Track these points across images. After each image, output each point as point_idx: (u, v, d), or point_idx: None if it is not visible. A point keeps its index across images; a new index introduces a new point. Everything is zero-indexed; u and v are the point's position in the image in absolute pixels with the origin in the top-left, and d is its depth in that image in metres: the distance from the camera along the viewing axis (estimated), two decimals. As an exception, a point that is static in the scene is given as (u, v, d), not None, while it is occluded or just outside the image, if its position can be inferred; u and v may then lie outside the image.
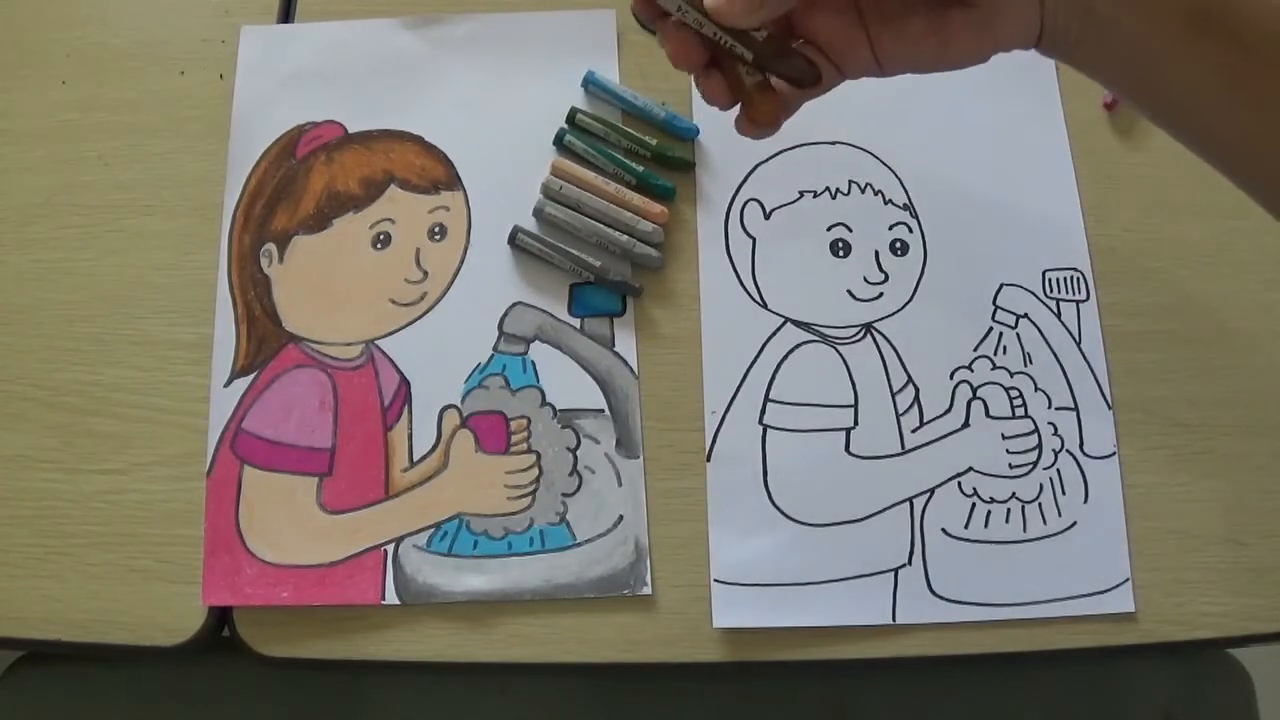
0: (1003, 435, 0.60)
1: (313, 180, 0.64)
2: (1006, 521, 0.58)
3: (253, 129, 0.65)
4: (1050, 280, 0.63)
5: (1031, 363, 0.61)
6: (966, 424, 0.60)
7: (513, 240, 0.62)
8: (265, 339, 0.61)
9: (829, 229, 0.64)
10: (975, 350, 0.61)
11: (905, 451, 0.60)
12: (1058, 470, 0.59)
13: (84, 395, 0.60)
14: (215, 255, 0.62)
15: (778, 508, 0.58)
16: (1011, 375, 0.61)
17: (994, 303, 0.62)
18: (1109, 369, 0.61)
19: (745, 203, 0.64)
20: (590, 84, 0.66)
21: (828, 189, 0.65)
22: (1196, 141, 0.44)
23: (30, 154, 0.65)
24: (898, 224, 0.64)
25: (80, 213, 0.63)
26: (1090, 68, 0.42)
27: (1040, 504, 0.59)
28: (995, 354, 0.61)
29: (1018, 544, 0.58)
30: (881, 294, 0.62)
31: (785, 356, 0.61)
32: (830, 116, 0.66)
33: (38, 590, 0.56)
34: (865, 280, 0.63)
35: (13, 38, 0.67)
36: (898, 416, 0.60)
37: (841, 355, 0.61)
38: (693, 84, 0.66)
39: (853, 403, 0.60)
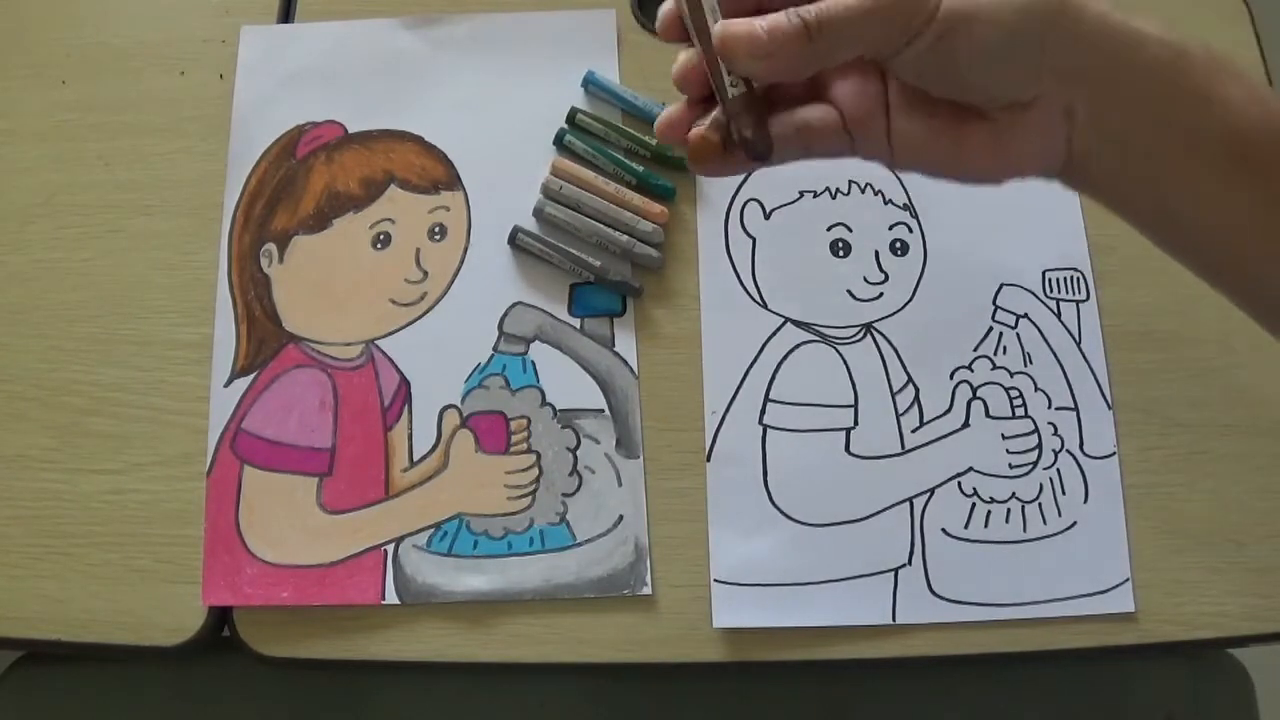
0: (1003, 435, 0.60)
1: (313, 180, 0.64)
2: (1006, 521, 0.58)
3: (253, 129, 0.65)
4: (1050, 280, 0.63)
5: (1031, 363, 0.61)
6: (966, 424, 0.60)
7: (513, 240, 0.62)
8: (265, 339, 0.61)
9: (829, 229, 0.64)
10: (975, 350, 0.61)
11: (905, 451, 0.60)
12: (1058, 470, 0.59)
13: (84, 395, 0.60)
14: (215, 255, 0.62)
15: (778, 508, 0.58)
16: (1011, 375, 0.61)
17: (994, 303, 0.62)
18: (1109, 369, 0.61)
19: (745, 203, 0.64)
20: (590, 84, 0.66)
21: (828, 189, 0.65)
22: (1235, 289, 0.39)
23: (30, 154, 0.65)
24: (898, 224, 0.64)
25: (80, 213, 0.63)
26: (1118, 202, 0.39)
27: (1040, 504, 0.59)
28: (995, 354, 0.61)
29: (1018, 544, 0.58)
30: (881, 294, 0.62)
31: (785, 356, 0.61)
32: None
33: (38, 590, 0.56)
34: (865, 280, 0.63)
35: (13, 38, 0.67)
36: (898, 416, 0.60)
37: (841, 355, 0.61)
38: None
39: (853, 403, 0.60)
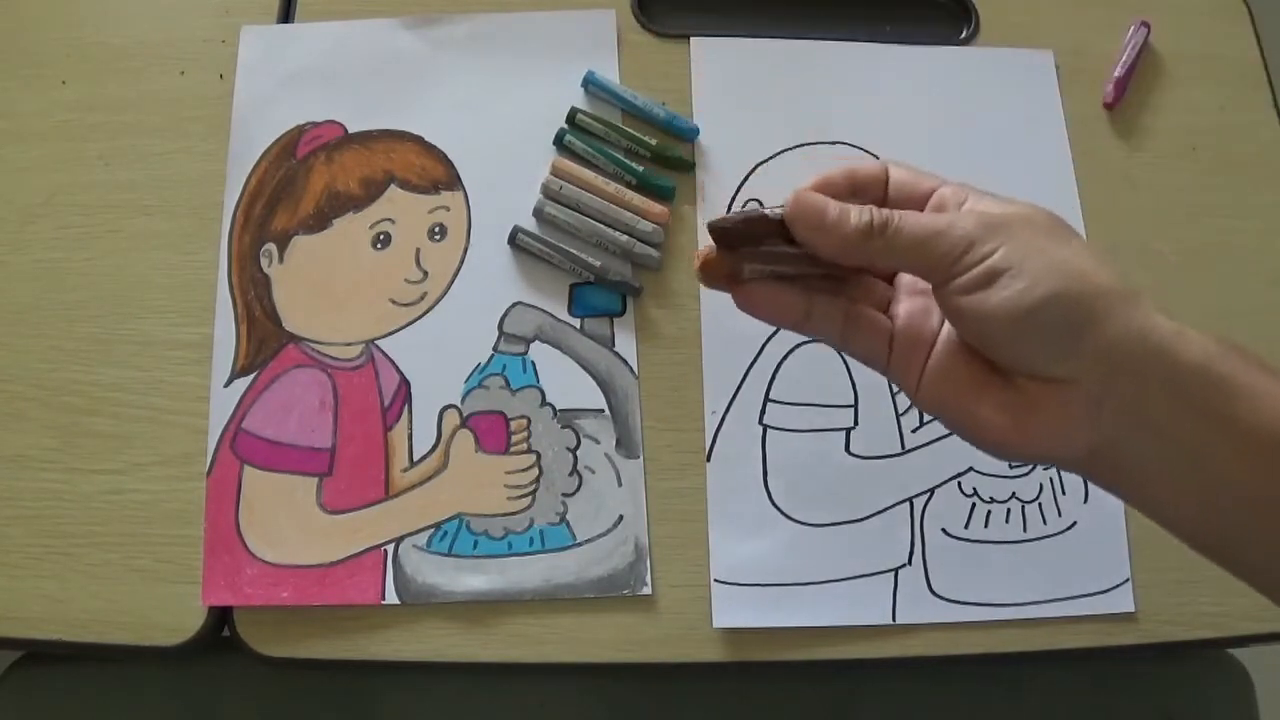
0: (1003, 435, 0.60)
1: (313, 180, 0.64)
2: (1006, 521, 0.58)
3: (253, 129, 0.65)
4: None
5: (1031, 363, 0.61)
6: (966, 424, 0.60)
7: (513, 240, 0.62)
8: (265, 339, 0.61)
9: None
10: (975, 350, 0.61)
11: (905, 451, 0.60)
12: (1058, 470, 0.59)
13: (84, 395, 0.59)
14: (215, 255, 0.62)
15: (778, 508, 0.58)
16: (1011, 375, 0.61)
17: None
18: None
19: (745, 203, 0.64)
20: (590, 84, 0.66)
21: (828, 189, 0.64)
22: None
23: (30, 154, 0.64)
24: (898, 224, 0.64)
25: (80, 213, 0.63)
26: (1158, 502, 0.36)
27: (1040, 504, 0.59)
28: (995, 354, 0.61)
29: (1018, 544, 0.58)
30: (881, 294, 0.62)
31: (785, 356, 0.61)
32: (830, 116, 0.66)
33: (38, 590, 0.56)
34: (865, 280, 0.63)
35: (13, 37, 0.67)
36: (898, 416, 0.60)
37: (841, 355, 0.61)
38: (693, 95, 0.65)
39: (853, 403, 0.60)
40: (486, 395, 0.60)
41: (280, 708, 0.60)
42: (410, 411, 0.60)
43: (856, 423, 0.60)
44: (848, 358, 0.60)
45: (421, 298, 0.62)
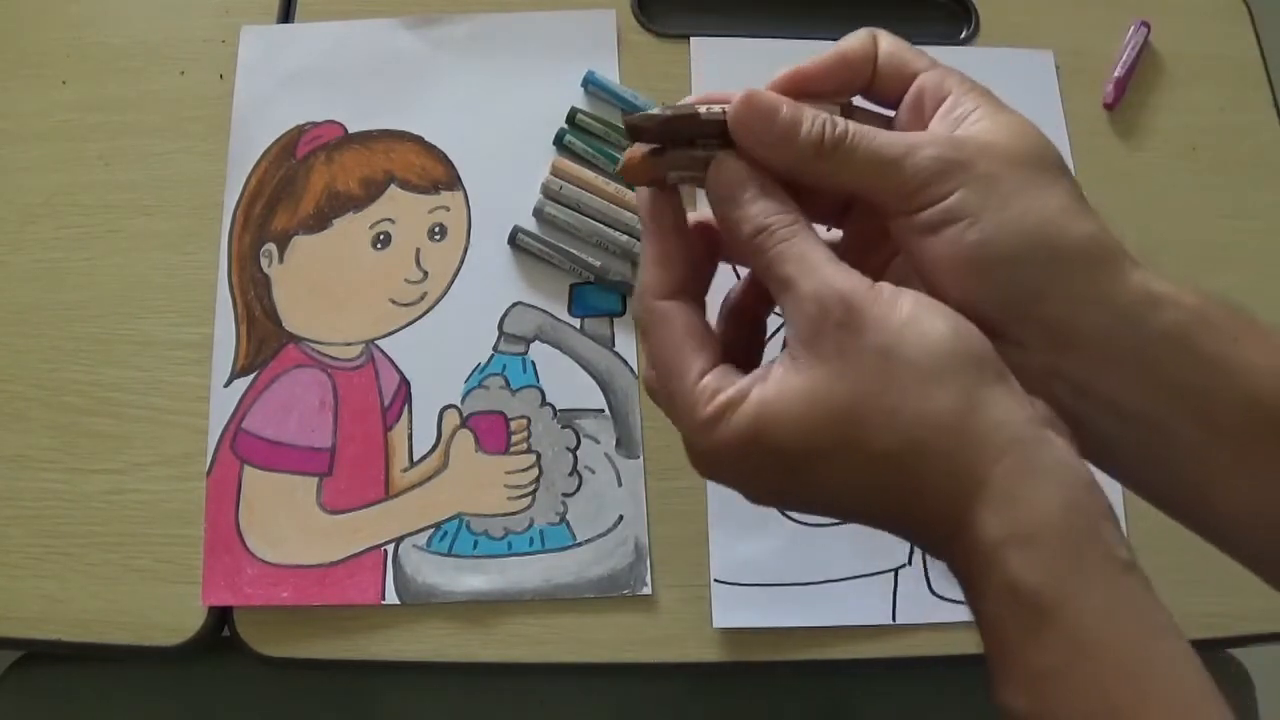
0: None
1: (313, 180, 0.64)
2: (1006, 521, 0.58)
3: (253, 129, 0.65)
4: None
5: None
6: (966, 424, 0.60)
7: (513, 240, 0.62)
8: (265, 339, 0.61)
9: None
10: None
11: (905, 451, 0.59)
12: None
13: (84, 395, 0.59)
14: (215, 255, 0.62)
15: (778, 508, 0.58)
16: (1011, 375, 0.61)
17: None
18: (1109, 369, 0.61)
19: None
20: (590, 84, 0.66)
21: (828, 189, 0.64)
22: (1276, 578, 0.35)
23: (30, 154, 0.64)
24: (898, 224, 0.64)
25: (80, 213, 0.63)
26: (1133, 482, 0.34)
27: (1040, 504, 0.59)
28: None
29: (1018, 544, 0.58)
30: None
31: (785, 356, 0.61)
32: (830, 116, 0.66)
33: (38, 590, 0.56)
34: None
35: (13, 37, 0.67)
36: (898, 416, 0.60)
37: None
38: (692, 92, 0.66)
39: (853, 403, 0.60)
40: (486, 395, 0.60)
41: (280, 708, 0.60)
42: (410, 411, 0.60)
43: (856, 423, 0.60)
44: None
45: (421, 298, 0.62)
